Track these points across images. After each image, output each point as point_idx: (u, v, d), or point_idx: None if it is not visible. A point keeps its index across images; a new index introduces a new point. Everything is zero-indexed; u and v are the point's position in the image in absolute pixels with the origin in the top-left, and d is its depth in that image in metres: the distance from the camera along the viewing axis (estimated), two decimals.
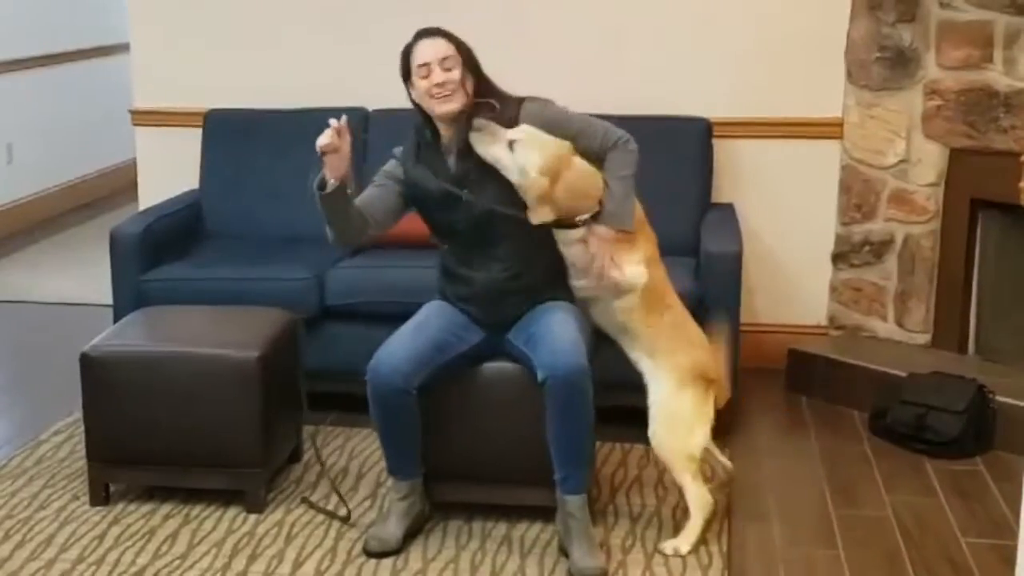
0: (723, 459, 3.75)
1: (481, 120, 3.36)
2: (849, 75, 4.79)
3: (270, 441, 3.76)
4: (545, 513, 3.56)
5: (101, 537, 3.58)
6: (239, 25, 5.20)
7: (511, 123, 3.38)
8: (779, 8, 4.83)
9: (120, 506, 3.77)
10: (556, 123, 3.41)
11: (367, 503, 3.79)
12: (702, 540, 3.50)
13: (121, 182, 8.03)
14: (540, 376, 3.34)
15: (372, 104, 4.86)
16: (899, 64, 4.67)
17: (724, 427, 4.25)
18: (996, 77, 4.48)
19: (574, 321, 3.42)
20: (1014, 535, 2.90)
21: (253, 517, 3.70)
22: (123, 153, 7.27)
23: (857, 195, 4.84)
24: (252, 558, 3.46)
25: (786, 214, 4.93)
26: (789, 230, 4.93)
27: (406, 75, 3.44)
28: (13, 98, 7.57)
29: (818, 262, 4.94)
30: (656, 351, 3.45)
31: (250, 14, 5.19)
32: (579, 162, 3.37)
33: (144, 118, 5.35)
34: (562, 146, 3.35)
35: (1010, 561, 2.82)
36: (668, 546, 3.47)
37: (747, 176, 4.92)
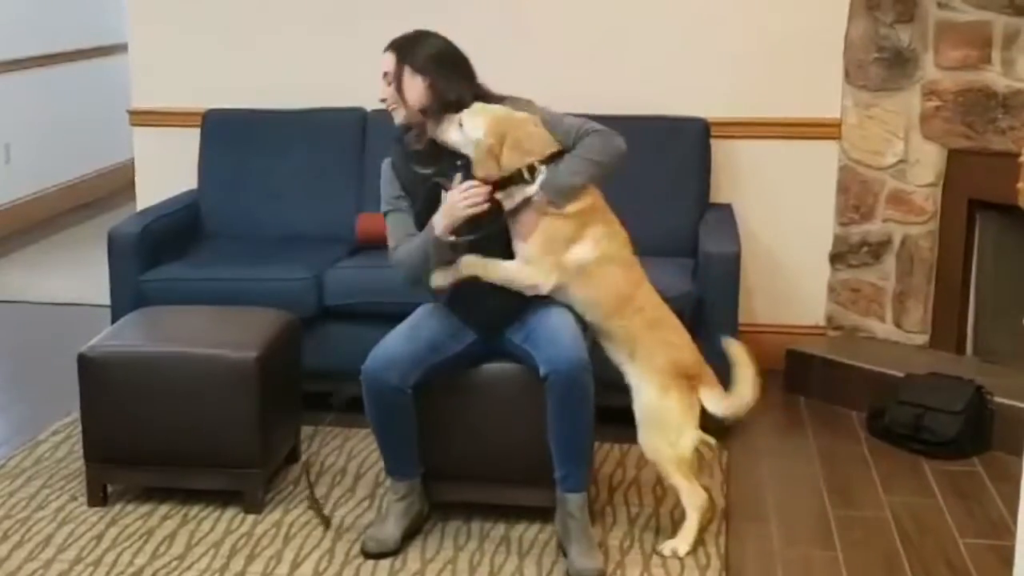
0: (706, 437, 3.68)
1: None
2: (847, 76, 4.79)
3: (268, 442, 3.76)
4: (543, 513, 3.56)
5: (99, 538, 3.58)
6: (237, 25, 5.20)
7: None
8: (777, 9, 4.83)
9: (118, 507, 3.77)
10: (544, 123, 3.41)
11: (365, 504, 3.79)
12: (700, 541, 3.50)
13: (119, 182, 8.03)
14: (542, 371, 3.34)
15: (370, 104, 4.84)
16: (897, 65, 4.67)
17: (722, 428, 4.27)
18: (994, 78, 4.48)
19: (571, 318, 3.42)
20: (1012, 535, 2.90)
21: (251, 518, 3.70)
22: (121, 153, 7.26)
23: (855, 196, 4.84)
24: (250, 559, 3.46)
25: (784, 215, 4.93)
26: (787, 231, 4.94)
27: None
28: (11, 98, 7.57)
29: (816, 263, 4.95)
30: (634, 354, 3.43)
31: (248, 14, 5.19)
32: (533, 127, 3.35)
33: (142, 118, 5.35)
34: (513, 113, 3.35)
35: (1008, 561, 2.82)
36: (667, 547, 3.47)
37: (745, 176, 4.92)
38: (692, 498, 3.47)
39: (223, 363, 3.67)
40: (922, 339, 4.77)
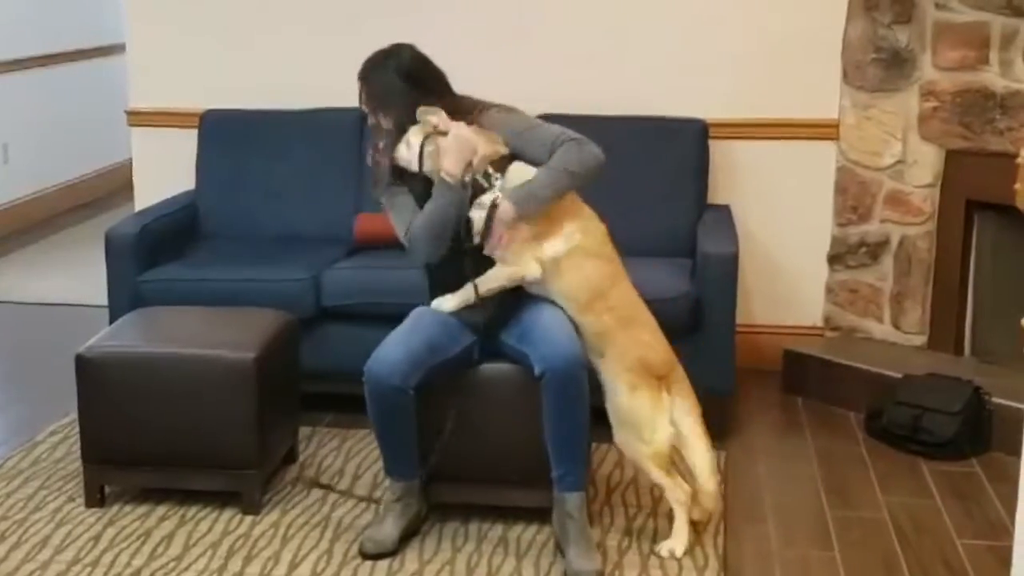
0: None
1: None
2: (845, 76, 4.79)
3: (266, 442, 3.76)
4: (542, 514, 3.56)
5: (96, 539, 3.58)
6: (235, 26, 5.20)
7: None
8: (775, 9, 4.83)
9: (115, 508, 3.77)
10: (523, 133, 3.43)
11: (363, 504, 3.79)
12: (697, 541, 3.50)
13: (117, 183, 8.02)
14: (538, 370, 3.34)
15: None
16: (895, 65, 4.67)
17: (720, 428, 4.27)
18: (992, 78, 4.48)
19: (563, 316, 3.43)
20: (1010, 536, 2.90)
21: (249, 518, 3.70)
22: (119, 154, 7.26)
23: (853, 196, 4.84)
24: (248, 560, 3.46)
25: (782, 215, 4.93)
26: (785, 231, 4.94)
27: None
28: (9, 98, 7.56)
29: (814, 263, 4.95)
30: (605, 352, 3.43)
31: (246, 15, 5.18)
32: (481, 138, 3.38)
33: (140, 118, 5.35)
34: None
35: (1006, 562, 2.82)
36: (663, 548, 3.47)
37: (743, 177, 4.92)
38: (675, 493, 3.46)
39: (221, 364, 3.67)
40: (920, 340, 4.77)
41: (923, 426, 4.18)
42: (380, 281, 4.34)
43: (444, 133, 3.36)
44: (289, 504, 3.79)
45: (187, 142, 5.06)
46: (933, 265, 4.72)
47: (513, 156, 3.40)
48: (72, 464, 4.04)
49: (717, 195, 4.86)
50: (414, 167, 3.41)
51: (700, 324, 4.18)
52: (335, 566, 3.42)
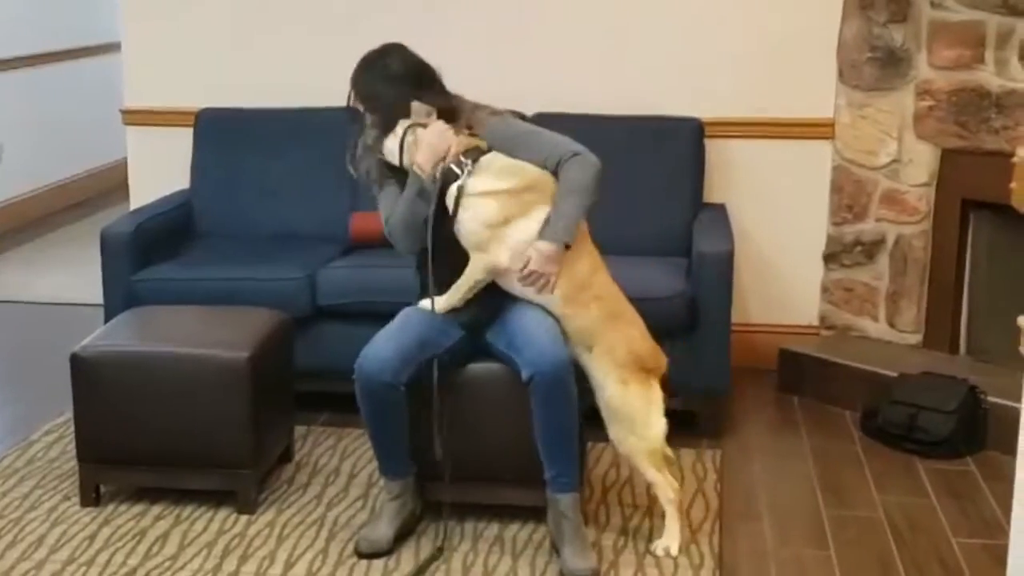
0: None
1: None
2: (841, 75, 4.80)
3: (261, 442, 3.75)
4: (537, 513, 3.55)
5: (92, 538, 3.58)
6: (230, 24, 5.19)
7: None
8: (770, 9, 4.83)
9: (111, 507, 3.76)
10: (516, 138, 3.43)
11: (358, 504, 3.78)
12: (693, 540, 3.50)
13: (112, 182, 8.00)
14: (525, 375, 3.34)
15: None
16: (890, 64, 4.67)
17: (716, 427, 4.28)
18: (988, 77, 4.48)
19: (549, 319, 3.42)
20: (1005, 535, 2.90)
21: (244, 518, 3.69)
22: (114, 153, 7.24)
23: (848, 195, 4.84)
24: (243, 559, 3.46)
25: (778, 214, 4.93)
26: (781, 230, 4.94)
27: None
28: (4, 97, 7.55)
29: (809, 262, 4.95)
30: (593, 347, 3.41)
31: (242, 13, 5.18)
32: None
33: (135, 117, 5.34)
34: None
35: (1001, 561, 2.81)
36: (658, 547, 3.47)
37: (739, 176, 4.92)
38: (664, 491, 3.46)
39: (216, 363, 3.67)
40: (915, 339, 4.77)
41: (919, 425, 4.18)
42: (375, 280, 4.34)
43: (424, 125, 3.37)
44: (284, 503, 3.79)
45: (182, 141, 5.05)
46: (929, 264, 4.72)
47: (481, 149, 3.39)
48: (67, 463, 4.03)
49: (713, 194, 4.86)
50: (395, 159, 3.41)
51: (696, 323, 4.18)
52: (331, 566, 3.42)
